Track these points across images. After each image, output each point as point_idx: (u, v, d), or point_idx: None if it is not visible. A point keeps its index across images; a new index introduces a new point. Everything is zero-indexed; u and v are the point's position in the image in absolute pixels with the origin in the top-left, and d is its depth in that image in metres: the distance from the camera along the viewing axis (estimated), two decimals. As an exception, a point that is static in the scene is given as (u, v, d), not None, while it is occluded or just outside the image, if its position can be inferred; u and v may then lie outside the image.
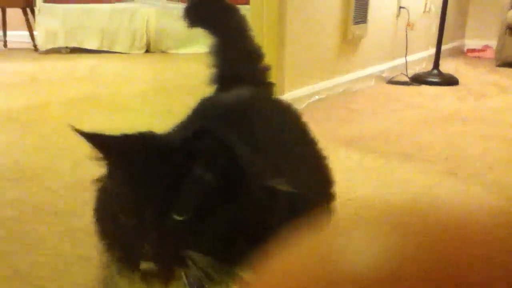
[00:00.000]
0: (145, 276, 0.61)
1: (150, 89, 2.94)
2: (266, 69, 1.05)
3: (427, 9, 3.53)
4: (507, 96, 2.83)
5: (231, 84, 0.93)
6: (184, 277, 0.60)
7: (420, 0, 3.48)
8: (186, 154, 0.62)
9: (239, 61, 1.01)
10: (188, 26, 1.03)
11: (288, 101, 1.01)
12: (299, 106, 2.23)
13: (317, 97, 2.39)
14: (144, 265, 0.59)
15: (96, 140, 0.63)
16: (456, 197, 1.41)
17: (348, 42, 2.67)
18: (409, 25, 3.26)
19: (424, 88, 2.97)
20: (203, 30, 1.02)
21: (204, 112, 0.84)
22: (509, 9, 3.59)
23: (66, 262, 1.06)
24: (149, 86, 3.05)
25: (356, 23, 2.66)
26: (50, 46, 4.29)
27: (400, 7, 3.19)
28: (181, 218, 0.59)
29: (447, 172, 1.60)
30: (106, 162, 0.65)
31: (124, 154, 0.64)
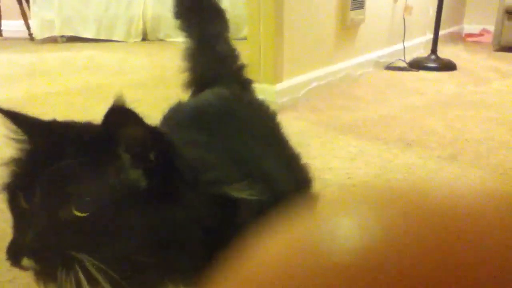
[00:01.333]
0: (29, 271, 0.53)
1: (148, 78, 2.93)
2: (242, 68, 1.02)
3: (425, -6, 3.51)
4: (506, 80, 2.83)
5: (204, 87, 0.91)
6: (63, 282, 0.50)
7: (418, -16, 3.46)
8: (108, 140, 0.53)
9: (212, 63, 0.98)
10: (174, 17, 1.02)
11: (263, 99, 0.98)
12: (297, 94, 2.23)
13: (315, 84, 2.39)
14: (25, 262, 0.50)
15: (15, 118, 0.57)
16: (457, 181, 1.43)
17: (346, 28, 2.66)
18: (407, 10, 3.24)
19: (423, 73, 2.97)
20: (180, 28, 1.02)
21: (173, 118, 0.81)
22: (507, -7, 3.57)
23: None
24: (147, 75, 3.04)
25: (354, 8, 2.65)
26: (46, 35, 4.27)
27: (398, -8, 3.18)
28: (79, 214, 0.50)
29: (449, 157, 1.61)
30: (20, 142, 0.58)
31: (39, 134, 0.56)
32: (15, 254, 0.50)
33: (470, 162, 1.57)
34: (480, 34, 4.26)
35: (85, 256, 0.50)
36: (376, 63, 3.04)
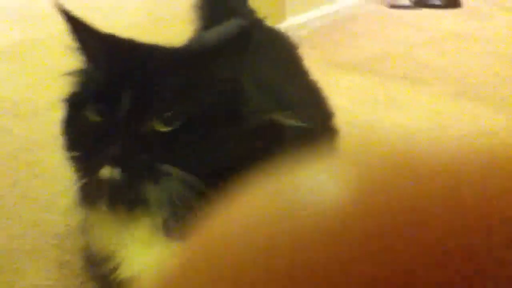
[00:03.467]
0: (105, 193, 0.52)
1: (145, 20, 2.85)
2: (252, 10, 1.04)
3: None
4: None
5: (221, 19, 0.89)
6: (152, 199, 0.51)
7: None
8: (203, 61, 0.54)
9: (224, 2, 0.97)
10: None
11: (285, 31, 0.97)
12: (301, 33, 2.18)
13: (318, 22, 2.33)
14: (106, 172, 0.49)
15: (84, 31, 0.56)
16: (463, 119, 1.42)
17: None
18: None
19: (427, 11, 2.90)
20: None
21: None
22: None
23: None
24: (143, 16, 2.95)
25: None
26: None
27: None
28: (163, 129, 0.51)
29: (454, 93, 1.60)
30: (84, 53, 0.57)
31: (115, 51, 0.55)
32: (93, 165, 0.49)
33: (476, 98, 1.56)
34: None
35: (171, 167, 0.50)
36: (380, 1, 2.95)
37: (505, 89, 1.62)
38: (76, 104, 0.56)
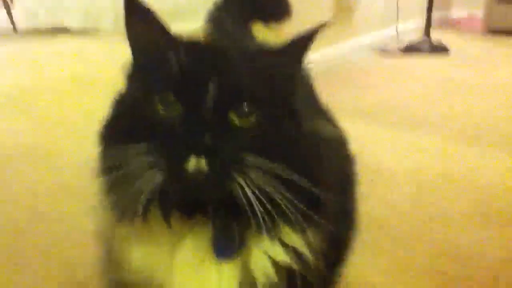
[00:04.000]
0: (184, 190, 0.48)
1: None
2: None
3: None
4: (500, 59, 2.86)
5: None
6: (239, 193, 0.47)
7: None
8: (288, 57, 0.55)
9: None
10: None
11: None
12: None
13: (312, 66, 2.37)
14: (192, 163, 0.46)
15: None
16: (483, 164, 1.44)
17: (342, 11, 2.65)
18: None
19: (417, 57, 2.97)
20: None
21: None
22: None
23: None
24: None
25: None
26: (30, 25, 4.15)
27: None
28: (245, 119, 0.50)
29: (467, 141, 1.62)
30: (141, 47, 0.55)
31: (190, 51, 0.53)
32: (179, 154, 0.46)
33: (490, 145, 1.60)
34: (469, 18, 4.28)
35: (258, 158, 0.48)
36: (371, 47, 3.04)
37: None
38: (136, 99, 0.53)
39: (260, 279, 0.53)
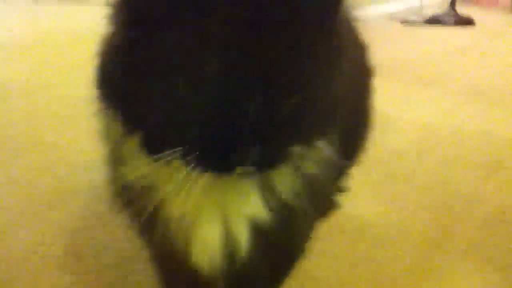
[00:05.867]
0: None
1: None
2: None
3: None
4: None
5: None
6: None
7: None
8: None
9: None
10: None
11: None
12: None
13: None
14: (239, 170, 0.41)
15: None
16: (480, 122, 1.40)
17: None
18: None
19: (440, 28, 2.88)
20: None
21: None
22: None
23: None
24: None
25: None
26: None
27: None
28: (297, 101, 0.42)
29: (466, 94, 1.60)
30: None
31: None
32: (226, 143, 0.39)
33: (491, 103, 1.57)
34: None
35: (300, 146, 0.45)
36: (391, 17, 2.96)
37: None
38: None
39: (284, 191, 0.49)
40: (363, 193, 0.99)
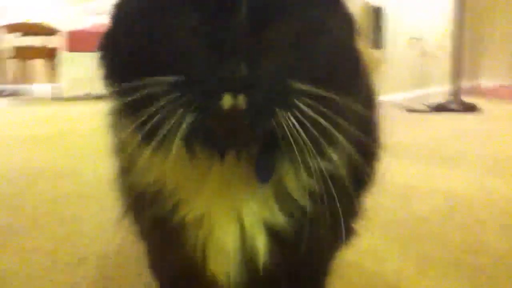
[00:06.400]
0: (214, 133, 0.39)
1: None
2: None
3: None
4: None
5: None
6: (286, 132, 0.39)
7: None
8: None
9: None
10: None
11: None
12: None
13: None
14: (229, 100, 0.36)
15: None
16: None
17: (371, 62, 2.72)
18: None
19: (446, 115, 2.97)
20: None
21: None
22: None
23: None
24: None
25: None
26: (74, 93, 4.35)
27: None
28: (283, 37, 0.39)
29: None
30: None
31: None
32: (211, 91, 0.37)
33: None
34: (498, 88, 4.28)
35: (303, 84, 0.39)
36: (397, 106, 3.06)
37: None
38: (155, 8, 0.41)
39: (296, 192, 0.47)
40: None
